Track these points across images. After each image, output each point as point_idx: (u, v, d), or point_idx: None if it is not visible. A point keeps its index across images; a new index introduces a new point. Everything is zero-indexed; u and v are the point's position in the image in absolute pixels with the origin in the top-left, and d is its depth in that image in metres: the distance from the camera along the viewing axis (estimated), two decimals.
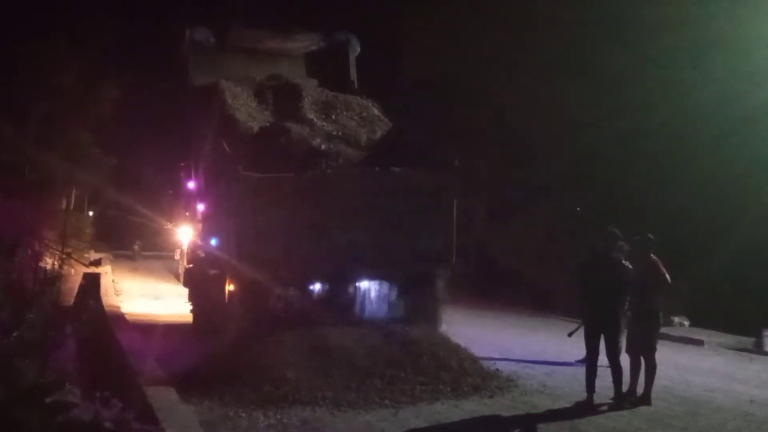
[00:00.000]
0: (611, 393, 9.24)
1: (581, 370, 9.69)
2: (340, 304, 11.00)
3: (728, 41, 17.87)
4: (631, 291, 9.34)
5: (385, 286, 12.12)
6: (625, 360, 9.51)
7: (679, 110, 18.76)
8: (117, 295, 20.43)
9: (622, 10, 19.54)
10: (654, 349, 9.51)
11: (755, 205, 17.60)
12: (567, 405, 9.16)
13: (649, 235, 9.84)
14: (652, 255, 9.67)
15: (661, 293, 9.65)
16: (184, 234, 18.66)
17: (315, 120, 12.61)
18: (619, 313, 9.32)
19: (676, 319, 16.48)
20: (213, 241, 12.87)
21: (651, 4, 18.97)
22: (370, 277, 11.79)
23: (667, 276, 9.53)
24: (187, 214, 16.85)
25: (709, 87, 18.10)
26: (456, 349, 10.35)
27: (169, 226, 27.60)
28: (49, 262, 18.31)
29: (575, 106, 21.40)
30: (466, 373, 9.71)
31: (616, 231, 9.65)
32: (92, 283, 17.16)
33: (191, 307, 14.83)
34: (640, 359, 9.54)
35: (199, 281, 14.25)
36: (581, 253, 12.80)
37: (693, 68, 18.46)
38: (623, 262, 9.47)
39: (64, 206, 30.52)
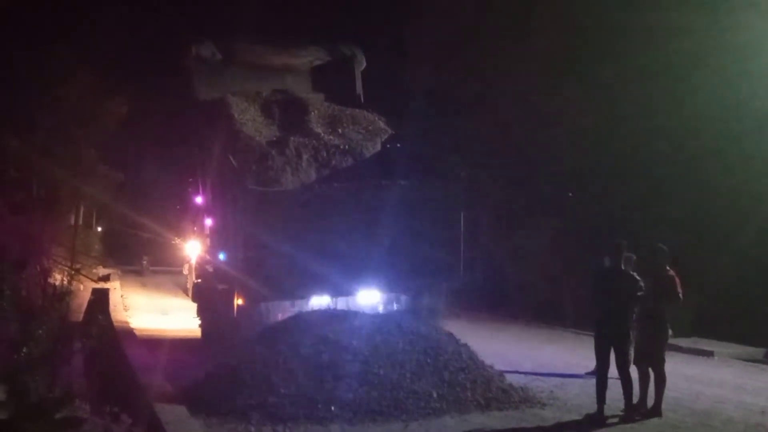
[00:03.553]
0: (621, 405, 9.20)
1: (590, 382, 9.66)
2: (347, 315, 11.00)
3: (731, 47, 17.86)
4: (640, 302, 9.32)
5: (392, 297, 12.17)
6: (634, 372, 9.48)
7: (682, 117, 18.74)
8: (125, 310, 20.46)
9: (625, 17, 19.56)
10: (663, 361, 9.47)
11: (762, 212, 17.52)
12: (577, 417, 9.11)
13: (662, 245, 9.80)
14: (668, 268, 9.61)
15: (671, 307, 9.61)
16: (192, 249, 18.71)
17: (322, 134, 12.67)
18: (629, 324, 9.29)
19: None
20: (221, 256, 12.91)
21: (653, 10, 18.99)
22: (377, 289, 11.83)
23: (681, 295, 9.50)
24: (195, 228, 16.92)
25: (713, 93, 18.08)
26: (468, 358, 10.28)
27: (177, 241, 27.69)
28: (57, 278, 18.27)
29: (578, 114, 21.40)
30: (477, 385, 9.65)
31: (624, 243, 9.63)
32: (101, 298, 17.14)
33: (199, 322, 14.84)
34: (648, 371, 9.50)
35: (207, 296, 14.28)
36: (588, 264, 12.81)
37: (696, 75, 18.44)
38: (632, 273, 9.45)
39: (72, 222, 30.62)
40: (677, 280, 9.55)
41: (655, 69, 19.51)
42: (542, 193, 24.31)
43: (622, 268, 9.47)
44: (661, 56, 19.27)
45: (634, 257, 10.53)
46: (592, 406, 9.17)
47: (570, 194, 23.39)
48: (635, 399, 9.29)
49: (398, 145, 12.93)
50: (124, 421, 6.97)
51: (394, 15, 26.99)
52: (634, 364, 9.58)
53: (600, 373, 9.22)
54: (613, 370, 9.20)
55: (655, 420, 9.05)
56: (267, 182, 11.47)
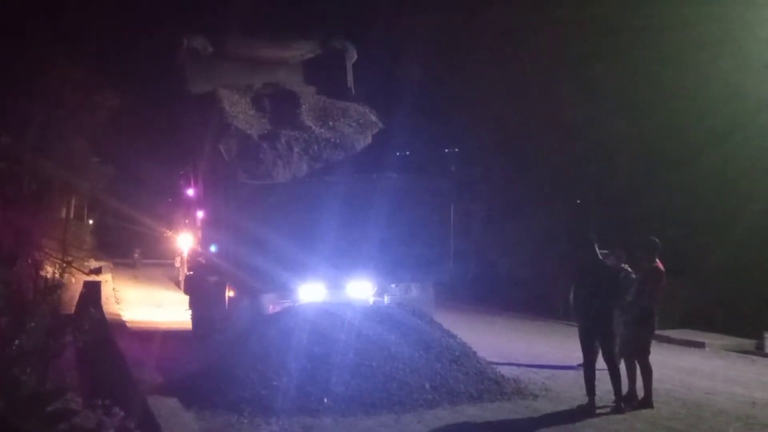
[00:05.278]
0: (613, 396, 9.24)
1: (582, 374, 9.69)
2: (338, 307, 11.01)
3: (728, 41, 17.89)
4: (625, 294, 9.34)
5: (384, 290, 12.18)
6: (623, 363, 9.53)
7: (677, 111, 18.78)
8: (118, 303, 20.41)
9: (620, 11, 19.58)
10: (647, 352, 9.47)
11: (755, 205, 17.58)
12: (569, 408, 9.16)
13: (654, 239, 9.80)
14: (657, 262, 9.60)
15: (649, 302, 9.60)
16: (184, 241, 18.65)
17: (313, 127, 12.64)
18: (611, 318, 9.27)
19: None
20: (213, 248, 12.90)
21: (649, 4, 19.01)
22: (369, 282, 11.84)
23: (658, 294, 9.52)
24: (187, 221, 16.87)
25: (708, 87, 18.12)
26: (460, 351, 10.30)
27: (169, 233, 27.59)
28: (49, 271, 18.21)
29: (572, 108, 21.43)
30: (470, 377, 9.68)
31: (594, 235, 9.60)
32: (93, 291, 17.08)
33: (191, 314, 14.82)
34: (634, 362, 9.54)
35: (199, 288, 14.27)
36: (573, 257, 12.86)
37: (692, 68, 18.47)
38: (622, 265, 9.45)
39: (63, 215, 30.52)
40: (662, 276, 9.55)
41: (648, 62, 19.53)
42: (535, 187, 24.37)
43: (601, 259, 9.46)
44: (655, 48, 19.30)
45: (621, 251, 10.53)
46: (584, 398, 9.21)
47: (578, 201, 23.46)
48: (625, 390, 9.34)
49: (389, 137, 12.92)
50: (117, 414, 6.94)
51: (386, 8, 26.92)
52: (620, 356, 9.60)
53: (587, 365, 9.24)
54: (601, 362, 9.24)
55: (646, 411, 9.10)
56: (258, 175, 11.46)
